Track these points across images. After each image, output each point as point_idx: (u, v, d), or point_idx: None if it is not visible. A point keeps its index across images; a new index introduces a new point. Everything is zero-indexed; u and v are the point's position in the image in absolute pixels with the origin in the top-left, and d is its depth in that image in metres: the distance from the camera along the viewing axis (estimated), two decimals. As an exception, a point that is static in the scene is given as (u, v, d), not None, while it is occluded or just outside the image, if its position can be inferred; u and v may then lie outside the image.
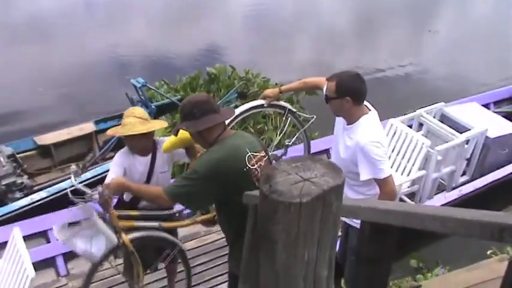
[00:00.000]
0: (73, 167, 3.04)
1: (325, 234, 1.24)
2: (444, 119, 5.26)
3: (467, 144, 4.82)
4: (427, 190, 4.63)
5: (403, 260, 4.40)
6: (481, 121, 5.13)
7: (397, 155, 4.61)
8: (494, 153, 5.09)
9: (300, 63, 9.34)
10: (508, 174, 5.20)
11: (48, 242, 4.17)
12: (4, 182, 4.74)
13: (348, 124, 2.87)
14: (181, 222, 3.14)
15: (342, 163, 2.84)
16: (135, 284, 3.09)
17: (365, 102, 2.89)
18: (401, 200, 4.49)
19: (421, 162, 4.46)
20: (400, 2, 13.61)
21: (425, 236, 3.77)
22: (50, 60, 8.87)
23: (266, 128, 5.77)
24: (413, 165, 4.47)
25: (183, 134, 2.77)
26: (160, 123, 3.16)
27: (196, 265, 4.02)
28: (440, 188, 4.94)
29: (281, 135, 4.02)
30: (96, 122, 5.72)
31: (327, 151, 5.34)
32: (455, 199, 4.78)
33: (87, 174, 4.78)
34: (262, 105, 3.61)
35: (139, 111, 3.07)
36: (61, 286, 3.90)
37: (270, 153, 2.79)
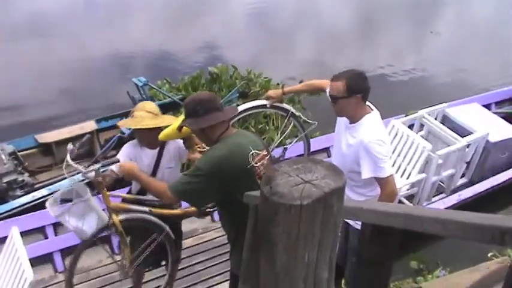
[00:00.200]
0: (69, 145, 3.10)
1: (326, 236, 1.24)
2: (445, 120, 5.26)
3: (468, 148, 4.81)
4: (426, 193, 4.64)
5: (403, 262, 4.39)
6: (482, 124, 5.12)
7: (398, 156, 4.60)
8: (494, 157, 5.09)
9: (301, 62, 9.33)
10: (508, 179, 5.19)
11: (46, 238, 4.17)
12: (5, 179, 4.75)
13: (350, 123, 2.88)
14: (171, 210, 3.16)
15: (344, 162, 2.84)
16: (123, 265, 3.14)
17: (367, 102, 2.90)
18: (400, 202, 4.48)
19: (421, 166, 4.45)
20: (402, 2, 13.58)
21: (426, 237, 3.77)
22: (52, 58, 8.87)
23: (267, 127, 5.77)
24: (413, 168, 4.47)
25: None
26: (170, 119, 3.16)
27: (195, 263, 4.01)
28: (439, 190, 4.94)
29: (282, 136, 4.02)
30: (98, 121, 5.72)
31: (327, 149, 5.35)
32: (455, 204, 4.77)
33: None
34: (264, 106, 3.60)
35: (151, 105, 3.13)
36: (58, 282, 3.90)
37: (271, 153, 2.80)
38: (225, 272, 3.87)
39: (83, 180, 3.17)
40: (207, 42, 10.13)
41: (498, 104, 6.56)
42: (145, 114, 3.01)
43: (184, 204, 3.16)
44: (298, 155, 4.56)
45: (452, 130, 4.83)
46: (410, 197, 4.67)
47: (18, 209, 4.50)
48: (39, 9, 11.26)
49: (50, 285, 3.89)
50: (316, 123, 3.84)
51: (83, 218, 2.81)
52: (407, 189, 4.58)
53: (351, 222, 3.03)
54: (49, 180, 5.10)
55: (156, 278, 3.77)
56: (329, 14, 12.85)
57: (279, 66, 8.53)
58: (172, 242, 3.23)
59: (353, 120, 2.86)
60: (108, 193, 2.92)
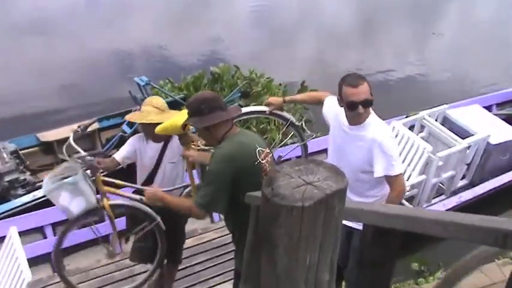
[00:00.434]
0: (74, 127, 3.26)
1: (328, 238, 1.23)
2: (446, 121, 5.24)
3: (468, 149, 4.80)
4: (426, 194, 4.63)
5: (405, 263, 4.38)
6: (483, 126, 5.11)
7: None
8: (495, 159, 5.07)
9: (303, 62, 9.33)
10: (509, 180, 5.17)
11: (45, 237, 4.17)
12: (7, 178, 4.76)
13: (353, 125, 2.85)
14: None
15: (351, 164, 2.81)
16: (110, 248, 3.29)
17: None
18: (400, 203, 4.47)
19: (421, 167, 4.44)
20: (404, 4, 13.56)
21: (428, 239, 3.75)
22: (54, 57, 8.88)
23: (268, 127, 5.77)
24: (413, 169, 4.46)
25: (176, 121, 2.83)
26: (176, 115, 3.14)
27: (194, 264, 4.01)
28: (439, 192, 4.93)
29: (283, 142, 4.01)
30: (99, 120, 5.72)
31: (326, 151, 5.32)
32: (455, 206, 4.76)
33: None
34: (264, 112, 3.56)
35: (158, 101, 3.20)
36: (57, 282, 3.88)
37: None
38: (225, 272, 3.89)
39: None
40: (209, 41, 10.13)
41: (499, 105, 6.54)
42: (152, 109, 3.09)
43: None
44: (297, 157, 4.55)
45: (452, 132, 4.82)
46: (410, 199, 4.66)
47: (20, 208, 4.50)
48: (41, 9, 11.27)
49: (48, 285, 3.87)
50: (315, 135, 3.85)
51: (71, 198, 2.89)
52: (408, 191, 4.57)
53: (354, 224, 3.01)
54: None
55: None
56: (331, 14, 12.84)
57: (281, 66, 8.52)
58: (162, 234, 3.27)
59: (360, 121, 2.81)
60: (102, 178, 3.06)
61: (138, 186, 3.22)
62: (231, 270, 3.82)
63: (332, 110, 3.03)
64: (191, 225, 4.01)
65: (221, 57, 8.90)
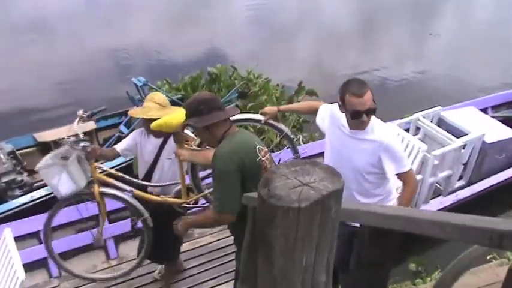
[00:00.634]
0: (80, 112, 3.37)
1: (324, 239, 1.23)
2: (441, 123, 5.24)
3: (464, 149, 4.80)
4: (424, 194, 4.63)
5: (402, 264, 4.38)
6: (478, 126, 5.11)
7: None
8: (491, 158, 5.07)
9: (301, 63, 9.34)
10: (505, 179, 5.18)
11: (40, 243, 4.09)
12: (4, 179, 4.74)
13: (353, 129, 2.84)
14: (152, 196, 3.29)
15: (354, 167, 2.81)
16: (97, 233, 3.41)
17: None
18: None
19: (417, 167, 4.44)
20: (402, 4, 13.58)
21: (425, 239, 3.75)
22: (52, 58, 8.87)
23: (266, 128, 5.76)
24: (409, 169, 4.45)
25: (171, 119, 2.89)
26: (177, 111, 3.17)
27: (190, 267, 4.03)
28: (437, 193, 4.93)
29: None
30: (97, 120, 5.72)
31: (322, 154, 5.29)
32: (451, 204, 4.76)
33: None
34: (259, 121, 3.52)
35: (159, 97, 3.27)
36: (53, 287, 3.87)
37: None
38: (220, 275, 3.94)
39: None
40: (207, 42, 10.13)
41: (494, 108, 6.52)
42: (153, 105, 3.15)
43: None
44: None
45: (448, 132, 4.82)
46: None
47: (17, 209, 4.49)
48: (41, 9, 11.25)
49: (43, 291, 3.85)
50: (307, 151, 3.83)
51: (60, 179, 3.02)
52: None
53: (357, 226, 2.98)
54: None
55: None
56: (329, 14, 12.86)
57: (279, 67, 8.53)
58: (149, 229, 3.32)
59: (362, 128, 2.81)
60: (96, 165, 3.20)
61: (134, 180, 3.30)
62: (226, 273, 3.91)
63: (327, 117, 3.04)
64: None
65: (219, 58, 8.90)
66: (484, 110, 6.14)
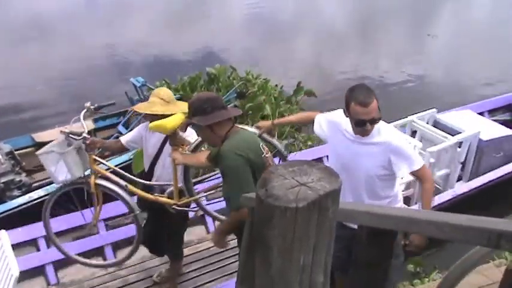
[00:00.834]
0: (87, 104, 3.43)
1: (321, 239, 1.23)
2: (437, 125, 5.22)
3: (460, 147, 4.79)
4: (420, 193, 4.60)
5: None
6: (473, 125, 5.09)
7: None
8: (488, 157, 5.06)
9: (300, 64, 9.34)
10: (502, 175, 5.15)
11: (38, 250, 4.08)
12: (3, 180, 4.73)
13: (358, 134, 2.83)
14: (144, 192, 3.35)
15: (363, 172, 2.80)
16: (91, 222, 3.51)
17: None
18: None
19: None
20: (400, 5, 13.59)
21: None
22: (50, 58, 8.87)
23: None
24: (406, 168, 4.44)
25: (166, 123, 2.93)
26: (182, 106, 3.20)
27: (189, 271, 4.05)
28: (435, 193, 4.89)
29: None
30: (95, 120, 5.72)
31: (320, 159, 5.24)
32: (449, 200, 4.74)
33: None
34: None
35: (165, 92, 3.30)
36: (51, 295, 3.85)
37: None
38: (217, 278, 3.99)
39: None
40: (206, 42, 10.13)
41: (491, 112, 6.50)
42: (157, 101, 3.19)
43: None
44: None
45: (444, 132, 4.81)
46: (406, 200, 4.63)
47: (16, 209, 4.47)
48: (40, 9, 11.25)
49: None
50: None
51: (57, 166, 3.17)
52: (402, 191, 4.55)
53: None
54: (46, 180, 5.07)
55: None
56: (327, 15, 12.87)
57: (278, 67, 8.53)
58: (140, 228, 3.40)
59: (366, 134, 2.80)
60: (94, 157, 3.29)
61: (130, 176, 3.36)
62: (223, 276, 4.00)
63: (325, 125, 3.02)
64: (187, 236, 4.04)
65: (218, 58, 8.90)
66: (481, 114, 6.13)
